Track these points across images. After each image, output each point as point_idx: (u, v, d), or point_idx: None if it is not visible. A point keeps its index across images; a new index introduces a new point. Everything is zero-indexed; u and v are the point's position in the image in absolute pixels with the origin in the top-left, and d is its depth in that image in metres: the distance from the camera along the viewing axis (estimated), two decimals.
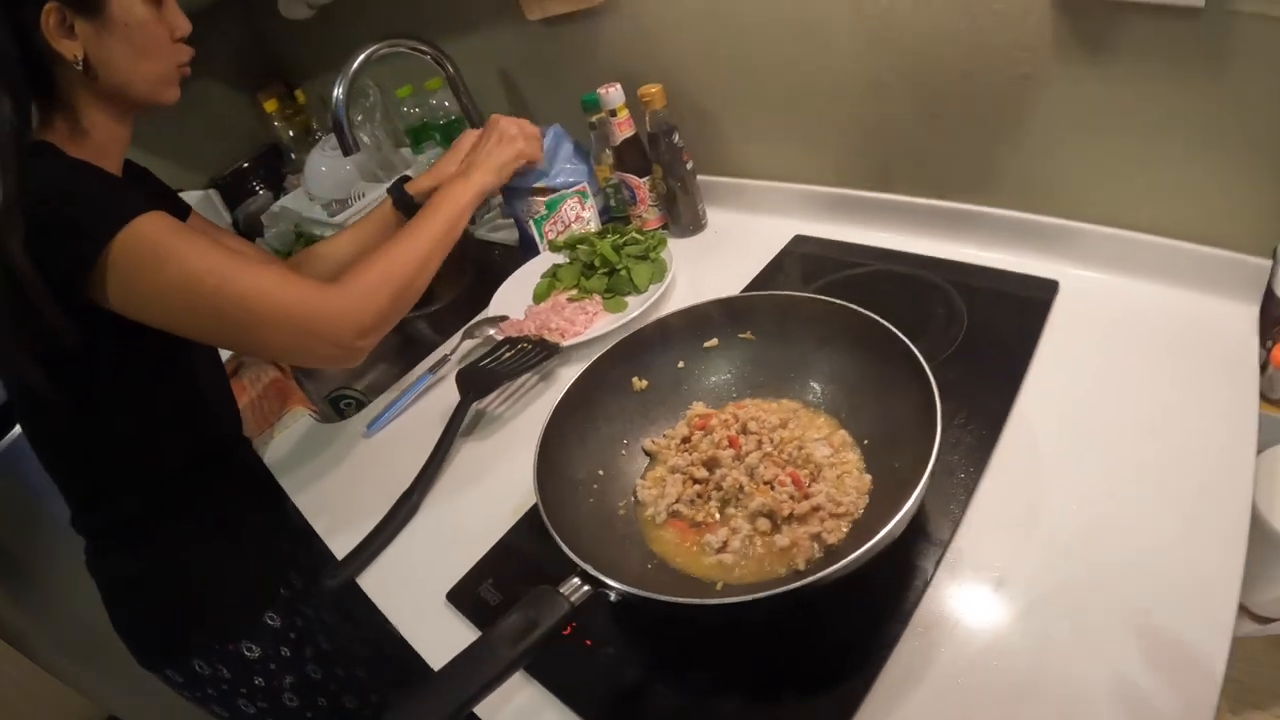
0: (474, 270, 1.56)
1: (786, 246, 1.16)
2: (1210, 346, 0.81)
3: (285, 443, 1.15)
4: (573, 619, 0.59)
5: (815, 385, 0.85)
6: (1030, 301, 0.94)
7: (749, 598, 0.58)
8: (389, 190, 1.16)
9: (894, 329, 0.77)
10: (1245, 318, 0.84)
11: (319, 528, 0.96)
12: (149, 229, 0.75)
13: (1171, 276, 0.89)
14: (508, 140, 1.14)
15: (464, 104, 1.45)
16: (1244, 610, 0.78)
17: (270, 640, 0.95)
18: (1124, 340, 0.85)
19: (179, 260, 0.76)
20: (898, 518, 0.60)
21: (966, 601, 0.66)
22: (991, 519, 0.72)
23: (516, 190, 1.34)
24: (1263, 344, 0.83)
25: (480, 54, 1.50)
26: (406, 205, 1.15)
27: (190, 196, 1.72)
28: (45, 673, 1.58)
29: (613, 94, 1.16)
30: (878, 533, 0.59)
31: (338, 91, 1.24)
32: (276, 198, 1.94)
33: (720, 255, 1.21)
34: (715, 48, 1.15)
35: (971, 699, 0.59)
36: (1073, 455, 0.75)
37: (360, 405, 1.44)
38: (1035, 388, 0.83)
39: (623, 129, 1.19)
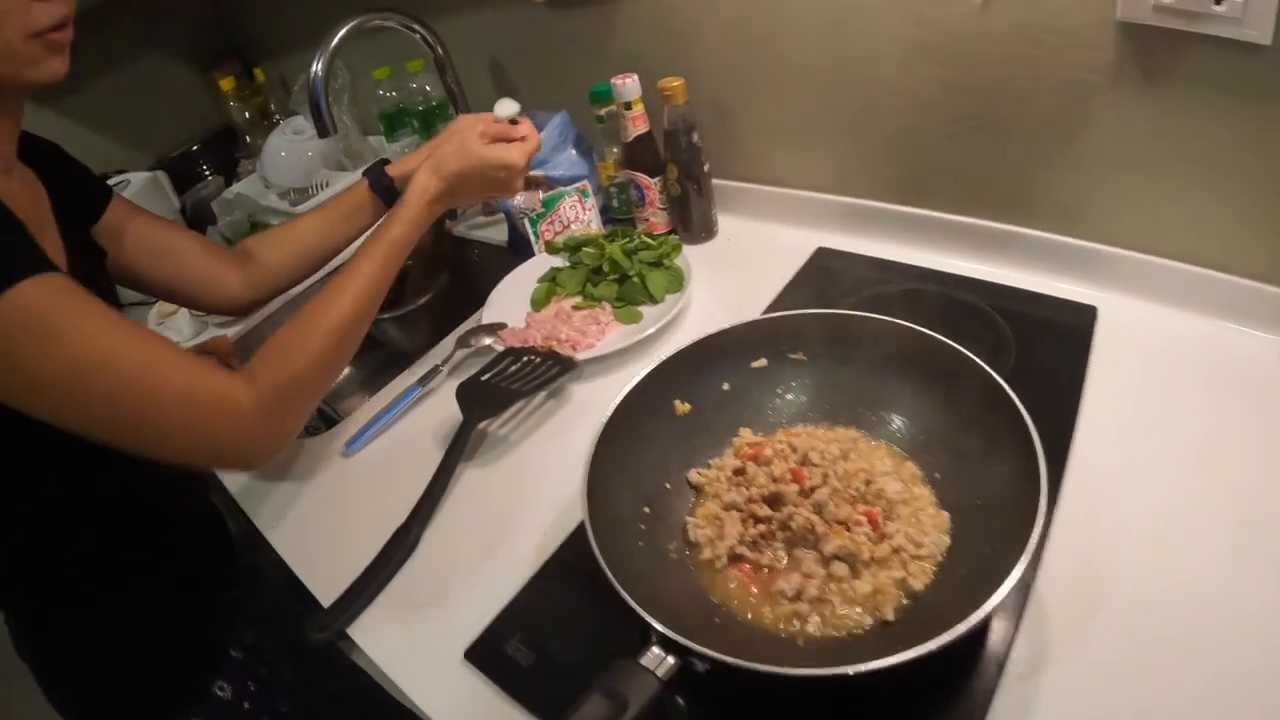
0: (449, 270, 1.42)
1: (811, 259, 1.07)
2: (1247, 377, 0.79)
3: None
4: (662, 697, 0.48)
5: (877, 412, 0.76)
6: (1072, 328, 0.89)
7: (876, 665, 0.48)
8: (366, 172, 0.99)
9: (974, 357, 0.69)
10: (1277, 349, 0.81)
11: (295, 565, 0.81)
12: (33, 301, 0.56)
13: (1206, 305, 0.86)
14: (497, 185, 0.93)
15: (451, 90, 1.32)
16: None
17: (221, 713, 0.80)
18: (1165, 370, 0.81)
19: (70, 344, 0.58)
20: (1016, 571, 0.52)
21: (1055, 649, 0.59)
22: (1068, 561, 0.65)
23: None
24: None
25: (473, 34, 1.37)
26: (386, 190, 0.97)
27: (136, 178, 1.53)
28: None
29: (629, 85, 1.05)
30: (969, 578, 0.54)
31: (316, 67, 1.09)
32: (228, 183, 1.76)
33: (737, 265, 1.11)
34: (744, 43, 1.05)
35: None
36: (1136, 494, 0.70)
37: (322, 416, 1.28)
38: (1090, 422, 0.78)
39: (637, 124, 1.08)
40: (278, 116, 1.83)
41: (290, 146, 1.56)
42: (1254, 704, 0.53)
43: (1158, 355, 0.83)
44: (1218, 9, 0.70)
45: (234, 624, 0.83)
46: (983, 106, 0.91)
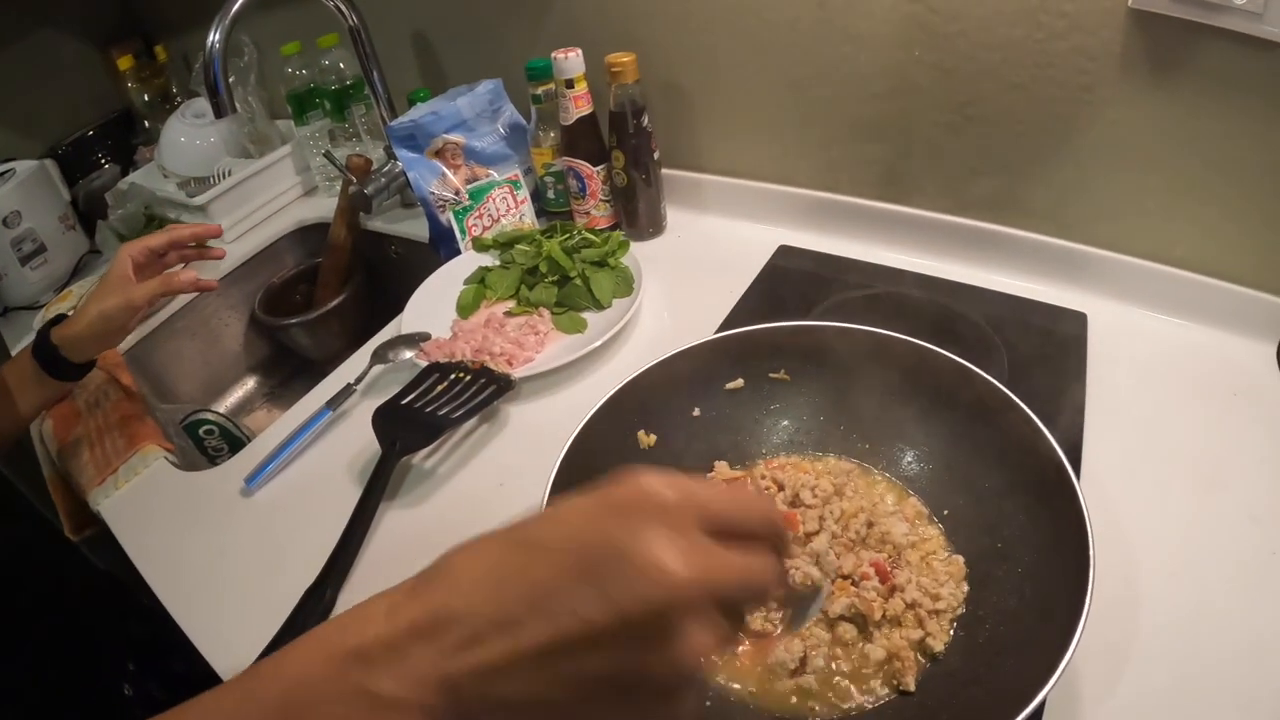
0: (363, 269, 1.23)
1: (772, 259, 0.93)
2: (1245, 389, 0.72)
3: (132, 498, 0.79)
4: None
5: (872, 440, 0.63)
6: (1064, 337, 0.79)
7: None
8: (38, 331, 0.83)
9: (991, 378, 0.58)
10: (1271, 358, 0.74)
11: (189, 630, 0.64)
12: None
13: (1201, 313, 0.78)
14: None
15: (365, 66, 1.12)
16: None
17: None
18: (1164, 383, 0.73)
19: None
20: (1073, 646, 0.42)
21: (1092, 685, 0.51)
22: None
23: (422, 164, 1.04)
24: None
25: (393, 2, 1.17)
26: (46, 354, 0.82)
27: (23, 168, 1.28)
28: None
29: (572, 60, 0.88)
30: (998, 638, 0.47)
31: (213, 36, 0.89)
32: (125, 173, 1.51)
33: (690, 266, 0.96)
34: (705, 15, 0.89)
35: None
36: (1152, 519, 0.61)
37: (225, 435, 1.08)
38: (1095, 441, 0.68)
39: (579, 105, 0.92)
40: (179, 99, 1.58)
41: (190, 132, 1.35)
42: None
43: (1153, 366, 0.75)
44: (1237, 2, 0.63)
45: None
46: (974, 95, 0.79)
